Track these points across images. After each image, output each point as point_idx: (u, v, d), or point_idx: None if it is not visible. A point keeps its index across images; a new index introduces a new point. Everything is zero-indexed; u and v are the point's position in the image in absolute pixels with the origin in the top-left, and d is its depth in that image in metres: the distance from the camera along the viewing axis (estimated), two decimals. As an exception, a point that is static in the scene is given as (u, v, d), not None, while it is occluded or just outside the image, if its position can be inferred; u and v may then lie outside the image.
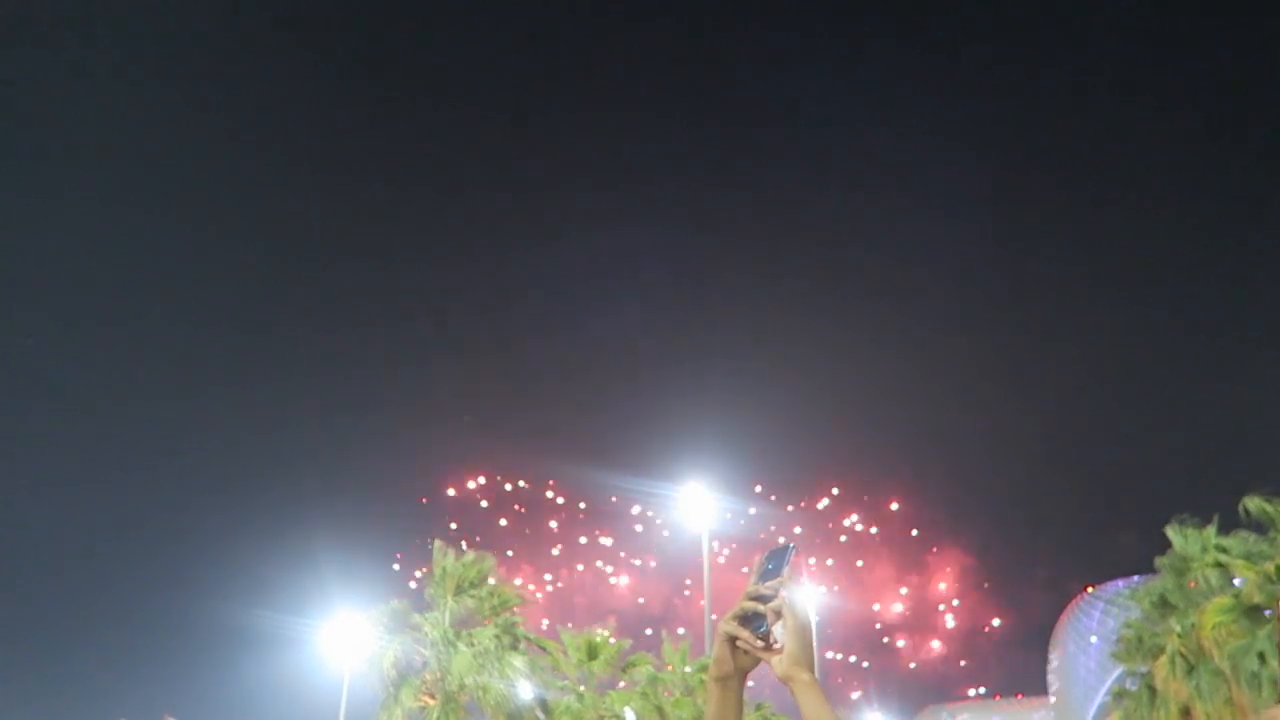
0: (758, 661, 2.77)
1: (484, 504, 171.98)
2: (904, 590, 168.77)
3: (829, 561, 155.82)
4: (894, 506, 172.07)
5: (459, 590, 31.28)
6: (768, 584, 2.76)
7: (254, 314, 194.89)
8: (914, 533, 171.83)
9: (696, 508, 43.06)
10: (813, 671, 2.70)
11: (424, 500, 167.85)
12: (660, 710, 34.67)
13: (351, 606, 37.76)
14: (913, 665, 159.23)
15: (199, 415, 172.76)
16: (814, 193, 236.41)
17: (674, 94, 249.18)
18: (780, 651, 2.70)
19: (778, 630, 2.71)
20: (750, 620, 2.74)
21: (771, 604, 2.72)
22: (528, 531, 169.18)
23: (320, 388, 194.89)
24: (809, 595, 49.84)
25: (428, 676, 29.87)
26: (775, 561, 2.83)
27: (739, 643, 2.74)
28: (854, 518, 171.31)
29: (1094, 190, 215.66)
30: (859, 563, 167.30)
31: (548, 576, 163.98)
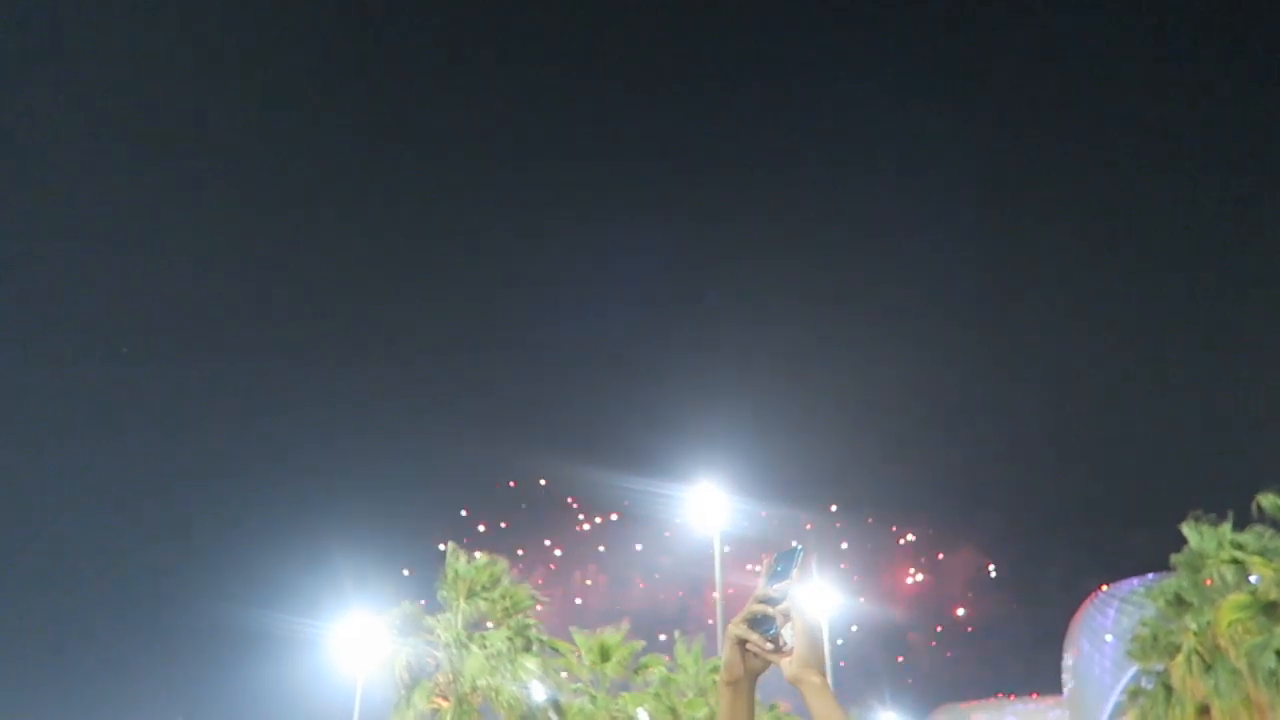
0: (768, 664, 2.76)
1: (497, 507, 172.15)
2: (918, 590, 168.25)
3: (846, 573, 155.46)
4: (908, 506, 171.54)
5: (471, 593, 31.29)
6: (776, 586, 2.76)
7: (264, 317, 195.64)
8: (928, 532, 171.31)
9: (708, 508, 42.89)
10: (823, 673, 2.70)
11: (435, 504, 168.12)
12: (673, 711, 34.62)
13: (365, 609, 37.80)
14: (927, 665, 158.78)
15: (212, 421, 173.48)
16: (819, 190, 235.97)
17: (674, 88, 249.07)
18: (790, 654, 2.70)
19: (787, 633, 2.71)
20: (759, 623, 2.73)
21: (780, 606, 2.72)
22: (544, 535, 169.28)
23: (334, 392, 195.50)
24: (823, 596, 49.71)
25: (440, 679, 29.88)
26: (784, 563, 2.82)
27: (749, 646, 2.73)
28: (867, 518, 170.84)
29: (1103, 187, 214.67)
30: (873, 563, 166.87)
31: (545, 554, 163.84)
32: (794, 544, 2.84)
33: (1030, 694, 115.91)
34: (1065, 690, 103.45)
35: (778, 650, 2.70)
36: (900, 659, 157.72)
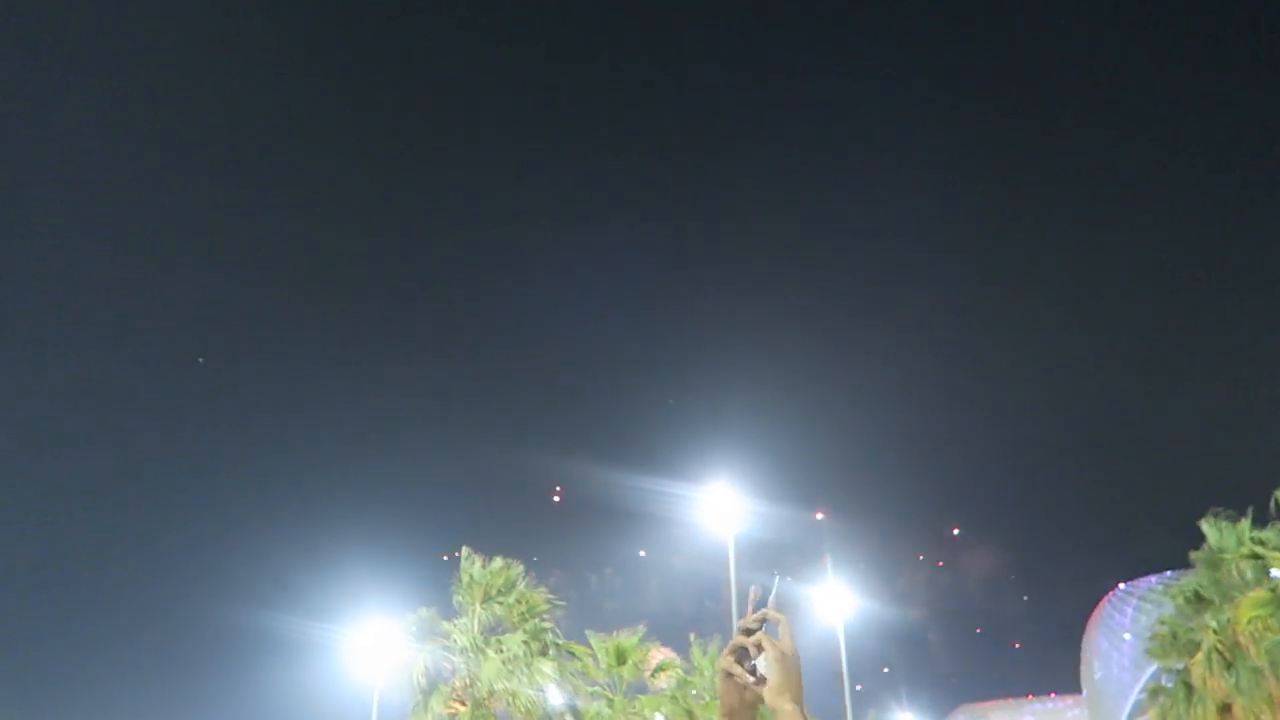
0: (760, 696, 2.79)
1: (512, 508, 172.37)
2: (935, 590, 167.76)
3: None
4: (923, 506, 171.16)
5: (487, 597, 31.37)
6: (753, 616, 2.82)
7: (277, 318, 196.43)
8: (945, 531, 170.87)
9: (722, 509, 42.77)
10: (797, 700, 2.72)
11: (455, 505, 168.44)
12: (690, 714, 34.60)
13: (382, 614, 37.89)
14: (945, 665, 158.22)
15: (229, 419, 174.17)
16: (830, 188, 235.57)
17: (686, 90, 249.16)
18: (765, 683, 2.74)
19: (761, 662, 2.75)
20: (743, 655, 2.80)
21: (753, 637, 2.77)
22: (559, 538, 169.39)
23: (354, 392, 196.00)
24: (837, 597, 49.64)
25: (457, 683, 29.97)
26: (765, 592, 2.88)
27: (735, 678, 2.78)
28: (883, 519, 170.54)
29: (1111, 181, 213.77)
30: (889, 563, 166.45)
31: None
32: (773, 573, 2.89)
33: (1048, 693, 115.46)
34: (1084, 689, 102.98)
35: (760, 681, 2.74)
36: (917, 659, 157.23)
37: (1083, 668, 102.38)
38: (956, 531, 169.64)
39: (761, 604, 2.83)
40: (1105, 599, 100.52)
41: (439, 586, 33.38)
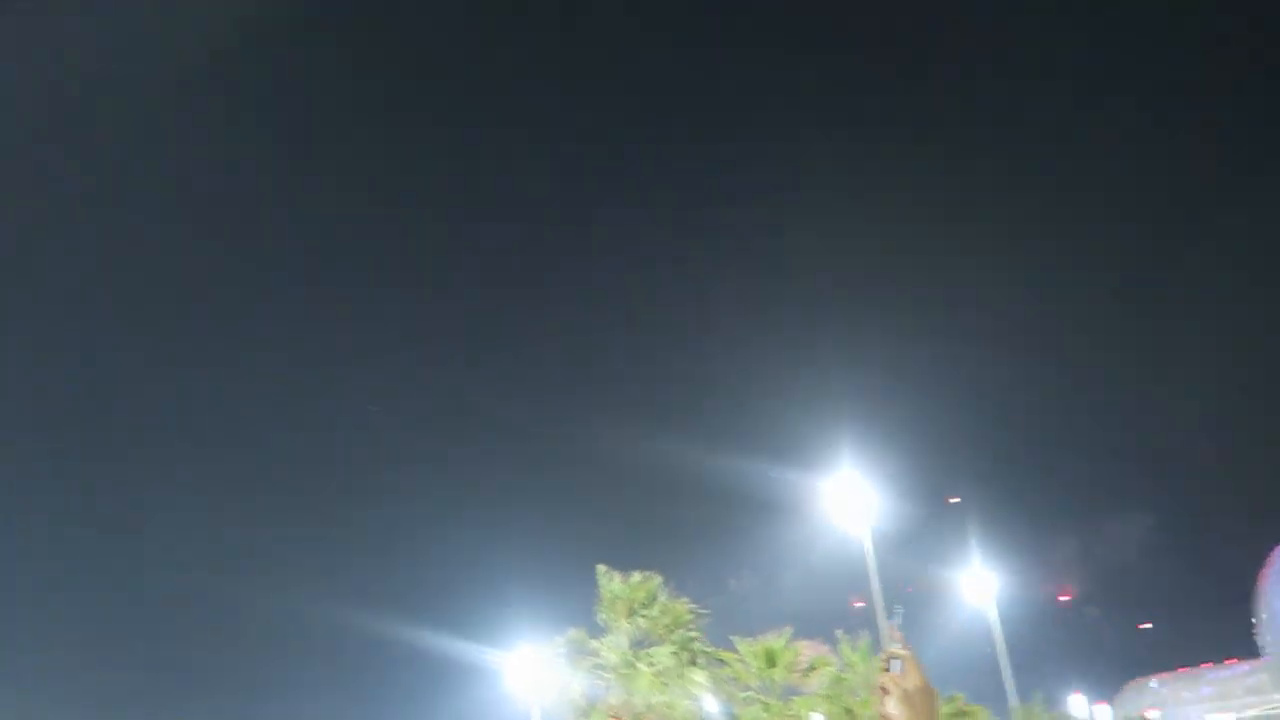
0: None
1: (647, 519, 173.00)
2: (1091, 564, 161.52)
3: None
4: (1070, 476, 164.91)
5: (631, 612, 31.68)
6: (882, 656, 2.93)
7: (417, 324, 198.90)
8: (1096, 502, 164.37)
9: (854, 501, 41.87)
10: None
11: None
12: (849, 711, 34.19)
13: (536, 636, 38.43)
14: (1110, 639, 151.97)
15: (394, 431, 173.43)
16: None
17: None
18: None
19: (890, 704, 2.83)
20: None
21: (880, 679, 2.88)
22: (691, 542, 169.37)
23: (517, 405, 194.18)
24: (986, 580, 48.42)
25: (612, 700, 30.34)
26: (897, 620, 3.01)
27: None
28: (1028, 495, 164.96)
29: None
30: (1039, 540, 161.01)
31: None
32: (894, 606, 2.96)
33: (1225, 660, 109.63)
34: (1264, 651, 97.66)
35: None
36: (1081, 637, 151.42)
37: (1260, 629, 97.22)
38: (1098, 501, 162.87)
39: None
40: (1273, 555, 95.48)
41: (568, 607, 33.68)
